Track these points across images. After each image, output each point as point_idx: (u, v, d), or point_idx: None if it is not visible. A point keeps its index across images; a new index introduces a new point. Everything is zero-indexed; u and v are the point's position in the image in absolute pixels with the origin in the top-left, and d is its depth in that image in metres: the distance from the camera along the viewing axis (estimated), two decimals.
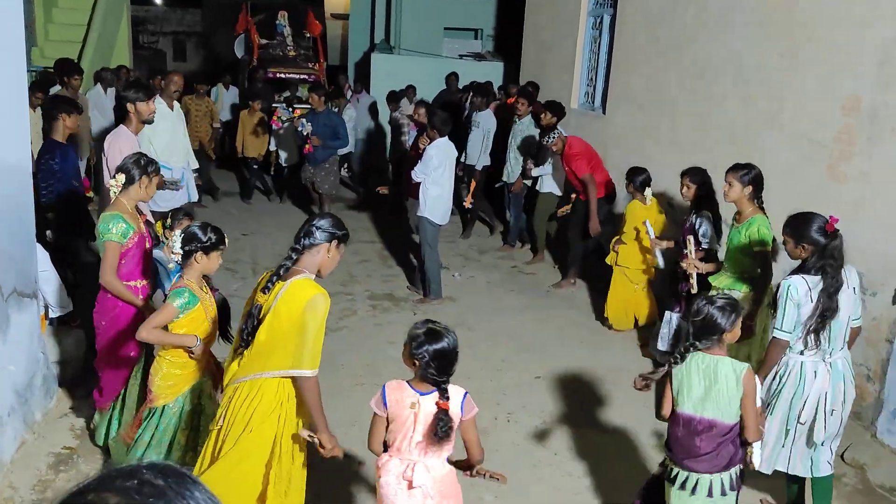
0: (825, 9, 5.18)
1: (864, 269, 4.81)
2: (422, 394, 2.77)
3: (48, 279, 4.99)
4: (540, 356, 5.82)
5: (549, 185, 7.86)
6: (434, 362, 2.72)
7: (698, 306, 3.09)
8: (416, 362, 2.74)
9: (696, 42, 6.65)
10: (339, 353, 5.74)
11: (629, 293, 6.31)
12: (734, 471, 3.14)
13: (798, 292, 3.52)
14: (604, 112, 8.25)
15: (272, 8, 14.52)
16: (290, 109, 8.43)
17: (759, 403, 3.11)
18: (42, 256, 4.86)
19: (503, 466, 4.24)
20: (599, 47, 8.64)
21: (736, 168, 4.65)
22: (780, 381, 3.72)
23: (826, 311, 3.52)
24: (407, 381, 2.82)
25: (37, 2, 12.73)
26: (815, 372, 3.64)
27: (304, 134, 8.26)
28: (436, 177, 6.58)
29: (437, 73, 12.26)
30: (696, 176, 5.31)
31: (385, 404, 2.80)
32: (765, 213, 4.63)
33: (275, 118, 9.03)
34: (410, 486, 2.77)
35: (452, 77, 11.73)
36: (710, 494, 3.10)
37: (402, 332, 6.26)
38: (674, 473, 3.20)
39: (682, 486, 3.14)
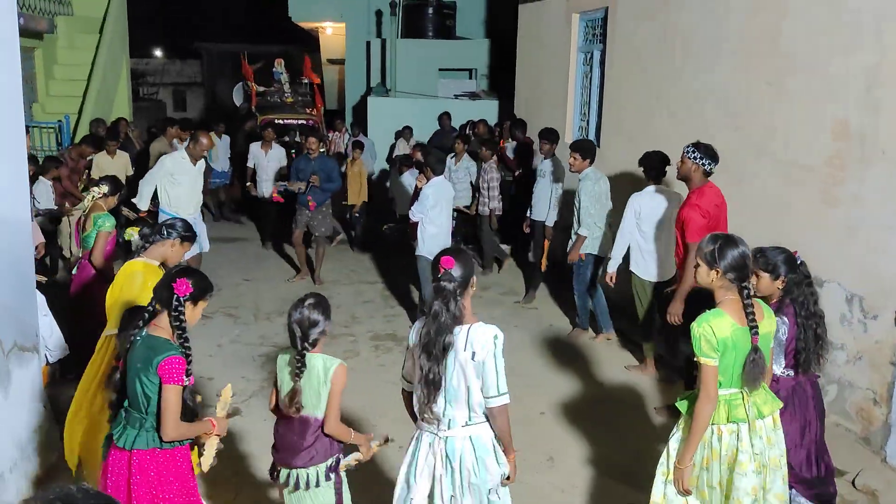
0: (809, 37, 5.26)
1: (863, 293, 4.82)
2: None
3: (45, 324, 5.03)
4: (544, 391, 5.80)
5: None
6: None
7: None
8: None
9: (683, 73, 6.74)
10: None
11: None
12: (331, 461, 3.20)
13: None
14: (598, 146, 8.32)
15: (270, 56, 14.76)
16: (285, 184, 9.14)
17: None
18: (39, 301, 4.90)
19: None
20: (591, 82, 8.75)
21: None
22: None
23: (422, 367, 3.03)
24: None
25: (37, 57, 12.98)
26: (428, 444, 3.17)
27: (302, 192, 8.57)
28: (432, 216, 6.64)
29: (433, 114, 12.42)
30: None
31: None
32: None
33: (274, 194, 9.59)
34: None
35: (445, 117, 11.84)
36: (306, 487, 3.15)
37: None
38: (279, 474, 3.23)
39: (286, 484, 3.19)
